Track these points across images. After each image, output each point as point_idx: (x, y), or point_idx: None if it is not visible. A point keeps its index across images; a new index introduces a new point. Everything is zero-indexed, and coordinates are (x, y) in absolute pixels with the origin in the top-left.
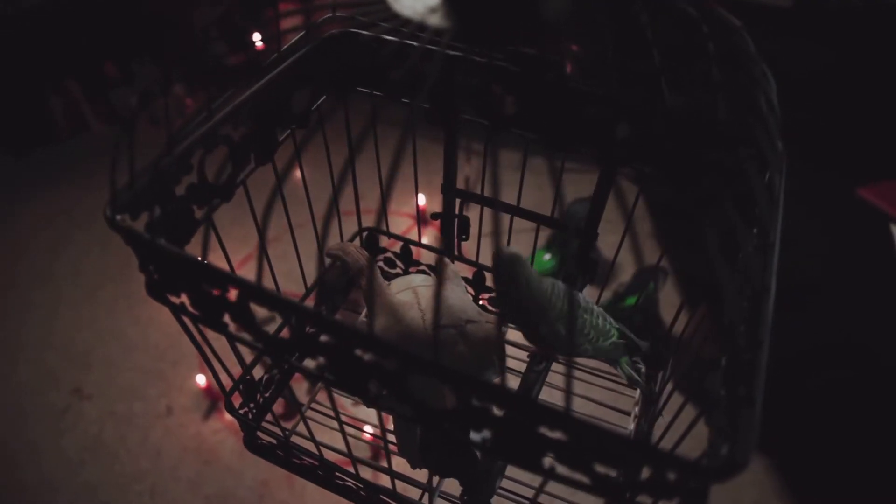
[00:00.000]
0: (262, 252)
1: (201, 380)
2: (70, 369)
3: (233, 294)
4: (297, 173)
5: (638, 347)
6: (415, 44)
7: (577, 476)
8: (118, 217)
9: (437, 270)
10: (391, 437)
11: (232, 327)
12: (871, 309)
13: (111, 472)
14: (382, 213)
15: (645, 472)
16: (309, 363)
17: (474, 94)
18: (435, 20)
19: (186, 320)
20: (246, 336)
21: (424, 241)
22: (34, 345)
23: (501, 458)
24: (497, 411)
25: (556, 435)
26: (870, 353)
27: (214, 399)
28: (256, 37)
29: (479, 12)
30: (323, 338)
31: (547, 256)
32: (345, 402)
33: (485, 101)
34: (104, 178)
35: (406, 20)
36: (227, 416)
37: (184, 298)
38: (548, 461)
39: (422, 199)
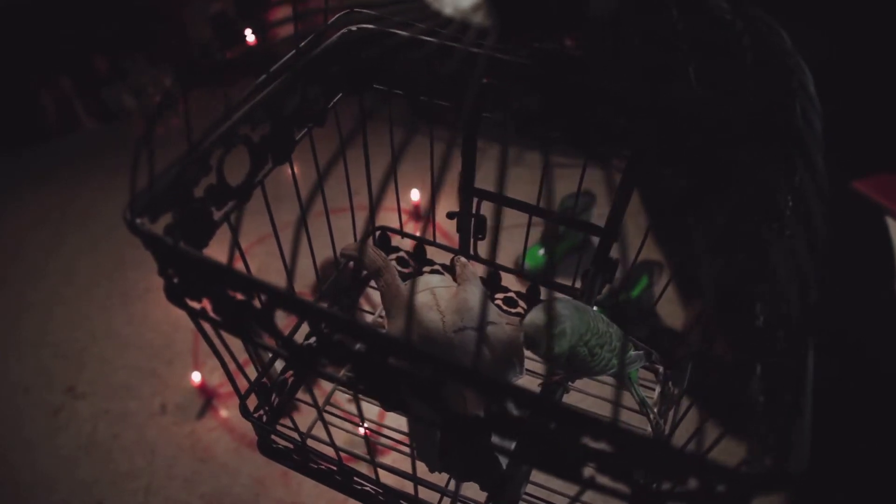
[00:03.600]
0: (293, 258)
1: (196, 377)
2: (64, 368)
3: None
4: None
5: (650, 352)
6: (432, 40)
7: (613, 485)
8: (138, 220)
9: (452, 270)
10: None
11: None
12: (865, 302)
13: (106, 470)
14: (398, 211)
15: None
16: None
17: (496, 92)
18: (478, 18)
19: (205, 325)
20: (268, 342)
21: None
22: (28, 344)
23: (539, 468)
24: (533, 420)
25: (600, 446)
26: (860, 346)
27: (209, 397)
28: (250, 35)
29: (524, 10)
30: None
31: (541, 252)
32: (340, 397)
33: (506, 99)
34: (97, 176)
35: (442, 21)
36: (222, 414)
37: (204, 303)
38: (587, 471)
39: (416, 195)
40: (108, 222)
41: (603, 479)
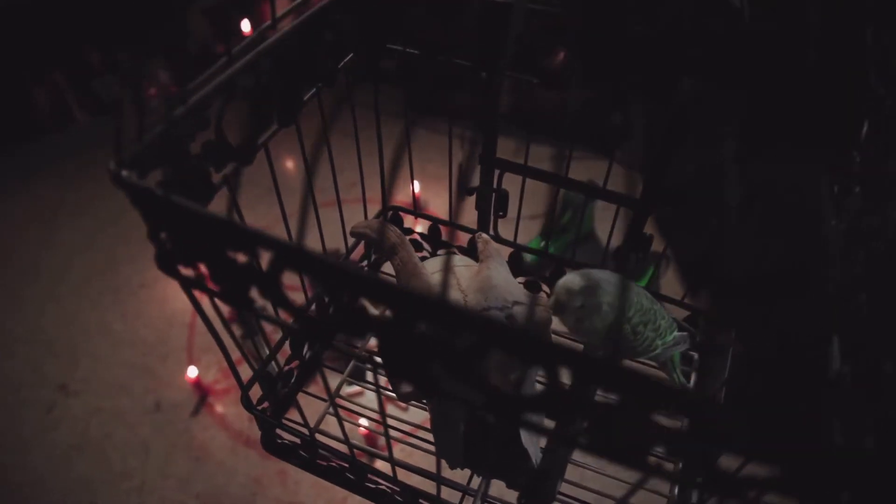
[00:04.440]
0: (304, 210)
1: (191, 373)
2: (56, 365)
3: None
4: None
5: (694, 335)
6: None
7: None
8: (124, 173)
9: (468, 252)
10: (428, 436)
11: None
12: (868, 300)
13: (99, 469)
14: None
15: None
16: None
17: (523, 48)
18: None
19: (201, 300)
20: (274, 314)
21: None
22: (20, 341)
23: (596, 452)
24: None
25: (677, 424)
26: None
27: (204, 394)
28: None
29: None
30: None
31: (542, 244)
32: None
33: (534, 55)
34: (90, 171)
35: None
36: (218, 411)
37: (201, 271)
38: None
39: (416, 188)
40: (102, 218)
41: (670, 465)
